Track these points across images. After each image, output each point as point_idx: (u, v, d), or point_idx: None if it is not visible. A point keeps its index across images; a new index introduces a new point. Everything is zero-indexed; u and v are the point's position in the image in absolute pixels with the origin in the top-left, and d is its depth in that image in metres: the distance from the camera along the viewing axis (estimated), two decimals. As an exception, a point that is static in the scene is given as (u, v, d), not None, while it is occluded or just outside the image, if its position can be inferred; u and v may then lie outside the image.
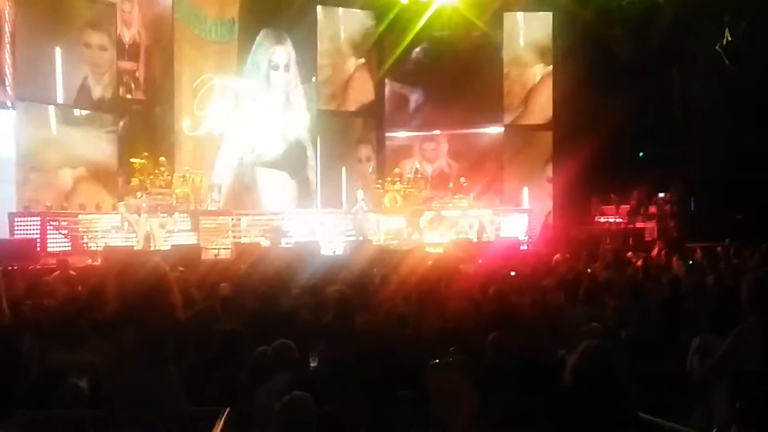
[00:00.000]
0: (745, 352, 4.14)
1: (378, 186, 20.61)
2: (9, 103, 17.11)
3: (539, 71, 22.26)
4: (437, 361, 2.80)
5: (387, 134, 23.23)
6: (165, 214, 16.83)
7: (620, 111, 18.29)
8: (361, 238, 18.13)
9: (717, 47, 18.54)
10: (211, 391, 4.72)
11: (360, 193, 19.49)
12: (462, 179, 20.93)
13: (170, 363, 3.78)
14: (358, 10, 22.20)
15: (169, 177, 18.06)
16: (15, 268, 12.38)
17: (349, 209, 19.67)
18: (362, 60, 22.48)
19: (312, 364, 5.30)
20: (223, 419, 3.96)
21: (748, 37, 18.10)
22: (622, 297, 7.09)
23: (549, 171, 21.94)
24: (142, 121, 19.85)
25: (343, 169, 21.85)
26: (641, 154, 21.06)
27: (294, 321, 6.71)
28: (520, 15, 22.10)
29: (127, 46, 19.57)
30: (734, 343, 4.23)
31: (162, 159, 18.25)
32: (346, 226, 19.19)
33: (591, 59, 19.61)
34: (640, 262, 11.72)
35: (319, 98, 21.89)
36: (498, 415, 3.86)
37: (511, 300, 7.26)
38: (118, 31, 19.15)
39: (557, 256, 12.54)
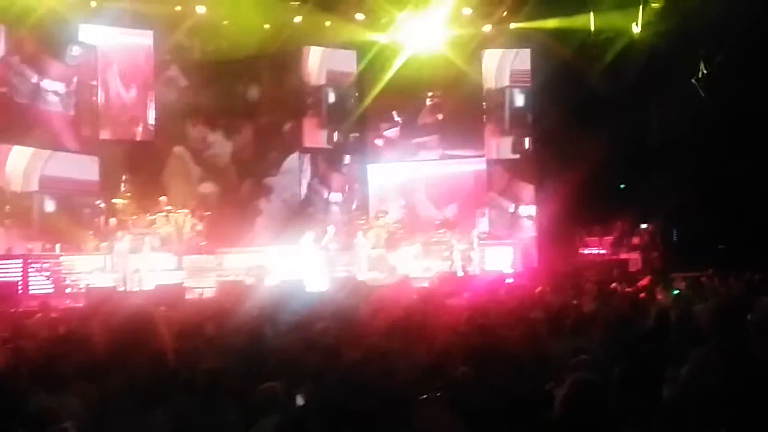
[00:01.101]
0: (707, 377, 4.16)
1: (362, 221, 20.61)
2: None
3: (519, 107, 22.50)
4: (424, 397, 2.76)
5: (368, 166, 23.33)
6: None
7: (600, 144, 18.44)
8: (331, 274, 17.91)
9: (693, 80, 18.81)
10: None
11: (331, 228, 19.23)
12: (447, 212, 20.99)
13: (157, 407, 3.72)
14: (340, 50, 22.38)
15: (154, 217, 18.03)
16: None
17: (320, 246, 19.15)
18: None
19: (299, 403, 5.23)
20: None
21: (724, 69, 18.37)
22: (609, 328, 7.06)
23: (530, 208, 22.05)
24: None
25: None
26: (622, 185, 21.20)
27: (280, 359, 6.64)
28: (498, 52, 22.28)
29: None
30: (694, 368, 4.25)
31: (163, 198, 18.30)
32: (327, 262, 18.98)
33: (569, 94, 19.79)
34: (627, 291, 11.73)
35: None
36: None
37: (497, 333, 7.23)
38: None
39: (540, 288, 12.53)
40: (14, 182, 17.50)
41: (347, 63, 22.40)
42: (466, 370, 5.31)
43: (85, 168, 18.92)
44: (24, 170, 17.63)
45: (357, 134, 22.86)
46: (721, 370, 4.11)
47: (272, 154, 22.15)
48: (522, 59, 22.15)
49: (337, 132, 22.30)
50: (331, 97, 22.30)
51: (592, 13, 19.44)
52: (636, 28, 19.20)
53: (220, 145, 22.10)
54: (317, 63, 22.09)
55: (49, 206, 17.99)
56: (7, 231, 17.22)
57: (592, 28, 19.64)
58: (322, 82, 22.12)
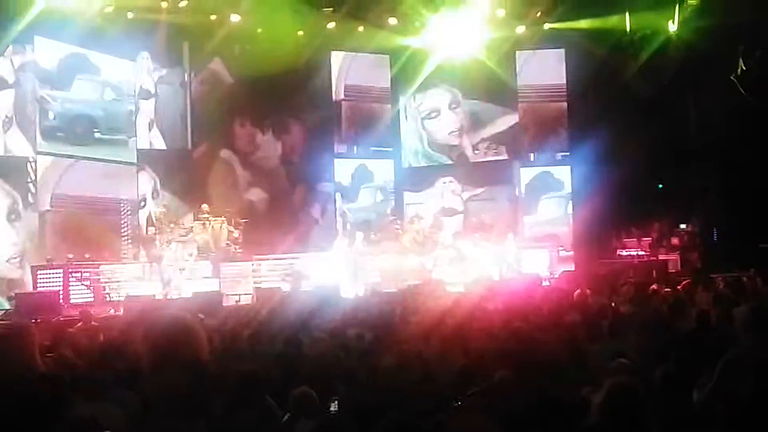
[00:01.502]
0: (737, 377, 4.08)
1: (397, 227, 20.62)
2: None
3: (554, 107, 22.38)
4: (460, 402, 2.77)
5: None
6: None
7: (638, 144, 18.29)
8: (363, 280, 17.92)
9: (731, 77, 18.56)
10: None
11: (359, 235, 19.22)
12: (484, 217, 20.92)
13: (197, 414, 3.76)
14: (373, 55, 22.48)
15: (191, 225, 18.21)
16: (38, 320, 12.45)
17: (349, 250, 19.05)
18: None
19: (333, 409, 5.25)
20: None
21: (763, 65, 18.11)
22: (647, 331, 6.98)
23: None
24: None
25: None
26: (660, 186, 20.98)
27: (316, 365, 6.68)
28: (532, 53, 22.20)
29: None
30: (724, 369, 4.17)
31: (204, 206, 18.47)
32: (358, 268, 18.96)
33: (605, 94, 19.67)
34: (667, 292, 11.59)
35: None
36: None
37: (534, 337, 7.19)
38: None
39: (578, 291, 12.42)
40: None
41: (380, 69, 22.52)
42: (504, 375, 5.29)
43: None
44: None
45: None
46: (752, 374, 4.03)
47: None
48: (557, 59, 22.08)
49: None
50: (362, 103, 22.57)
51: (627, 13, 19.27)
52: (672, 26, 18.99)
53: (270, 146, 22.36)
54: (345, 69, 22.37)
55: (89, 216, 18.24)
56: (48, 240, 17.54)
57: (628, 28, 19.46)
58: (346, 92, 22.47)
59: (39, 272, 16.46)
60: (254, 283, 17.81)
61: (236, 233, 18.68)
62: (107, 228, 18.46)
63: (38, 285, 16.17)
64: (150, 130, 20.22)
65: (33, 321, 11.76)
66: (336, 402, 5.08)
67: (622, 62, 19.73)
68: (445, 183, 23.10)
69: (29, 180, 17.55)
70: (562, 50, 21.76)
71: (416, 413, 4.22)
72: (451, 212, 22.79)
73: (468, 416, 2.84)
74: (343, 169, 22.87)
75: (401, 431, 4.15)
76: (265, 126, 22.15)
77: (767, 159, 17.88)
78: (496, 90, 22.13)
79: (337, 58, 22.49)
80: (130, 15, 18.61)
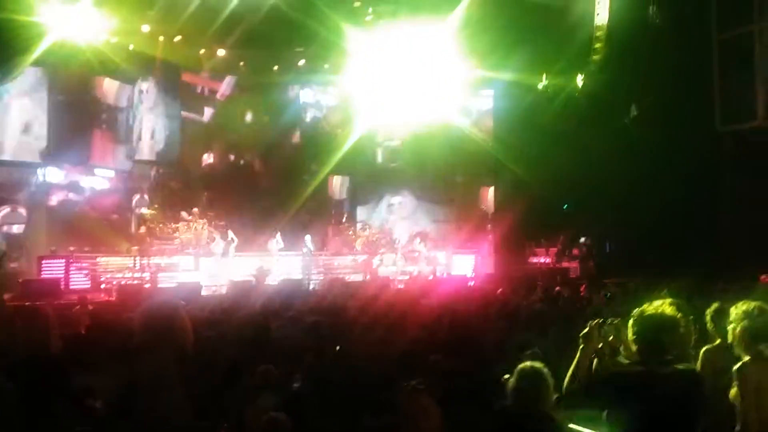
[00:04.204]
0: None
1: (351, 233, 20.60)
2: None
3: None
4: (409, 383, 2.75)
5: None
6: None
7: (549, 171, 18.55)
8: (305, 276, 17.77)
9: (625, 120, 18.99)
10: (212, 411, 4.59)
11: (308, 238, 18.91)
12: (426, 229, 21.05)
13: (179, 386, 3.69)
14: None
15: (177, 225, 17.92)
16: (42, 303, 12.06)
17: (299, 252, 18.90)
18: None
19: (295, 385, 5.18)
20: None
21: (651, 111, 18.57)
22: (556, 325, 7.06)
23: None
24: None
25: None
26: (565, 206, 21.32)
27: (280, 347, 6.58)
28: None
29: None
30: None
31: (195, 210, 18.18)
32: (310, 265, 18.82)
33: (524, 130, 19.93)
34: (569, 294, 11.74)
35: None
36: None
37: (462, 327, 7.20)
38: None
39: (500, 290, 12.51)
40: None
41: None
42: (436, 358, 5.27)
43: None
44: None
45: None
46: None
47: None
48: (486, 99, 22.39)
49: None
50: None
51: (544, 74, 19.66)
52: (579, 80, 19.35)
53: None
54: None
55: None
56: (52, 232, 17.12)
57: (542, 83, 19.81)
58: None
59: (44, 261, 16.00)
60: (228, 276, 17.57)
61: (215, 234, 18.40)
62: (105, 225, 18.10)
63: (42, 272, 15.73)
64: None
65: (37, 303, 11.40)
66: (298, 379, 5.00)
67: (539, 105, 19.99)
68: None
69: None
70: (492, 91, 22.06)
71: (367, 390, 4.20)
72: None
73: (415, 395, 2.81)
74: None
75: (356, 405, 4.12)
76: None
77: (651, 186, 18.29)
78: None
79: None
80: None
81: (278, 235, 18.57)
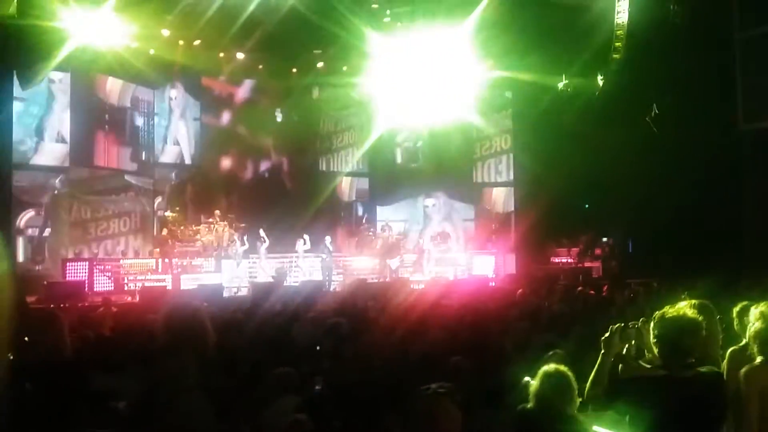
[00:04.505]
0: None
1: (370, 233, 20.59)
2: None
3: (502, 143, 22.64)
4: (428, 387, 2.72)
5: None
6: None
7: (569, 171, 18.43)
8: (325, 278, 17.74)
9: (647, 118, 18.79)
10: (233, 413, 4.58)
11: (328, 239, 18.86)
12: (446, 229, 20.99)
13: (201, 388, 3.69)
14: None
15: (198, 227, 18.03)
16: (66, 305, 12.21)
17: (318, 254, 18.78)
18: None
19: (317, 387, 5.17)
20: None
21: (672, 110, 18.37)
22: (577, 325, 6.99)
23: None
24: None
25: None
26: (587, 205, 21.16)
27: (301, 349, 6.59)
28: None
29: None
30: None
31: (217, 212, 18.30)
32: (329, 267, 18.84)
33: (544, 131, 19.83)
34: (591, 293, 11.65)
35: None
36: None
37: (483, 329, 7.15)
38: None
39: (521, 290, 12.42)
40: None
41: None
42: (458, 360, 5.22)
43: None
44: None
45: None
46: None
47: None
48: (506, 102, 22.34)
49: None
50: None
51: (563, 74, 19.53)
52: (599, 81, 19.17)
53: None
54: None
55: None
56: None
57: (561, 84, 19.68)
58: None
59: (68, 264, 16.18)
60: (250, 277, 17.67)
61: (236, 235, 18.49)
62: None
63: (67, 275, 15.90)
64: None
65: (61, 305, 11.53)
66: (319, 381, 4.98)
67: (559, 105, 19.86)
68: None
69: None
70: (510, 93, 21.95)
71: (388, 392, 4.17)
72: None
73: (435, 399, 2.78)
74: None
75: (377, 407, 4.09)
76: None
77: (673, 186, 18.11)
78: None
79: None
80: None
81: (306, 236, 18.70)
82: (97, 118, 18.33)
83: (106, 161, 18.51)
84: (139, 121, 19.33)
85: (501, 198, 22.89)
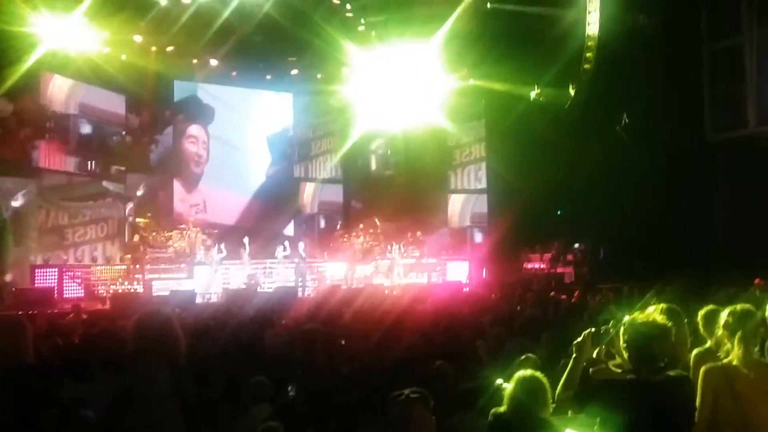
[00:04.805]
0: None
1: (344, 239, 20.54)
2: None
3: (477, 151, 22.80)
4: (401, 392, 2.72)
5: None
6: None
7: (542, 179, 18.60)
8: (298, 283, 17.70)
9: (617, 127, 19.06)
10: (205, 421, 4.52)
11: (301, 245, 18.78)
12: (418, 233, 20.94)
13: (173, 395, 3.65)
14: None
15: (170, 233, 17.84)
16: (35, 312, 11.97)
17: (292, 260, 18.68)
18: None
19: (291, 394, 5.13)
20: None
21: (643, 120, 18.67)
22: (549, 330, 7.03)
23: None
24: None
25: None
26: (559, 212, 21.36)
27: (273, 355, 6.54)
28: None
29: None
30: None
31: (190, 218, 18.17)
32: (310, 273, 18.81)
33: (517, 138, 20.00)
34: (563, 298, 11.74)
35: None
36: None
37: (457, 334, 7.18)
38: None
39: (493, 296, 12.50)
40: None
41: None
42: (442, 364, 5.20)
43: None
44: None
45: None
46: None
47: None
48: (477, 109, 22.48)
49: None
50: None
51: (535, 86, 19.73)
52: (571, 90, 19.39)
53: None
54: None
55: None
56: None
57: (533, 95, 19.89)
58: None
59: (37, 270, 15.89)
60: (222, 284, 17.50)
61: (209, 242, 18.32)
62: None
63: (35, 281, 15.61)
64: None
65: (30, 312, 11.31)
66: (292, 388, 4.94)
67: (531, 114, 20.04)
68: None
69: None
70: (483, 101, 22.12)
71: (361, 399, 4.16)
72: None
73: (407, 404, 2.78)
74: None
75: (351, 414, 4.07)
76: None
77: (643, 193, 18.38)
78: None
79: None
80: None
81: (286, 242, 18.78)
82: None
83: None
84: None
85: (457, 210, 22.91)
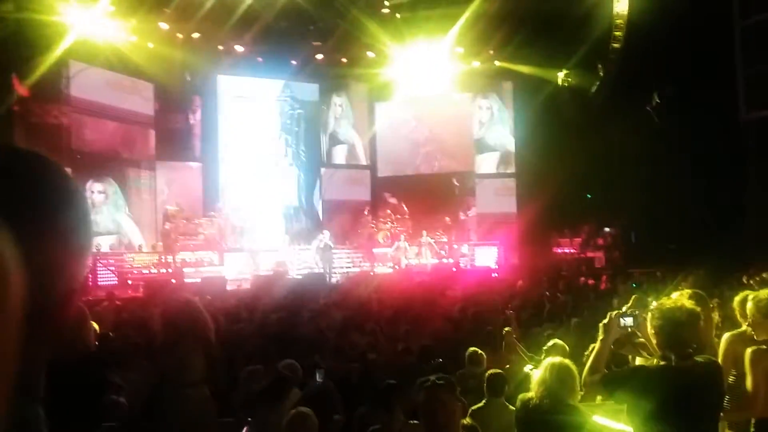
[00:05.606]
0: None
1: (372, 225, 20.59)
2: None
3: (504, 134, 22.60)
4: (428, 378, 2.75)
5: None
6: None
7: (571, 162, 18.42)
8: (326, 270, 17.63)
9: (647, 108, 18.75)
10: (236, 406, 4.61)
11: (326, 233, 18.74)
12: (447, 219, 20.89)
13: (204, 382, 3.73)
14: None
15: (201, 221, 18.06)
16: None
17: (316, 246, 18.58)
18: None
19: (318, 379, 5.19)
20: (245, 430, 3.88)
21: (672, 99, 18.34)
22: (578, 315, 7.02)
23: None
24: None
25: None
26: (589, 196, 21.14)
27: (305, 340, 6.61)
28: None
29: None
30: None
31: (219, 205, 18.36)
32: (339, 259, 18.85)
33: (545, 121, 19.81)
34: (592, 283, 11.67)
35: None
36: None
37: (486, 319, 7.17)
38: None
39: (520, 282, 12.44)
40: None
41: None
42: (469, 352, 5.20)
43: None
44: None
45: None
46: None
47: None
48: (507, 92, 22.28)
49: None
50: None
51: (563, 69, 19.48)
52: (599, 71, 19.10)
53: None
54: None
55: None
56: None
57: (560, 80, 19.65)
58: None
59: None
60: (252, 270, 17.66)
61: (238, 228, 18.50)
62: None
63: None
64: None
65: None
66: (321, 374, 5.00)
67: (559, 96, 19.82)
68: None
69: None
70: (510, 82, 21.90)
71: (389, 385, 4.20)
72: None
73: (435, 391, 2.81)
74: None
75: (377, 400, 4.11)
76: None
77: (674, 174, 18.10)
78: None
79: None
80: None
81: (326, 231, 18.79)
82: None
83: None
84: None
85: (486, 195, 22.75)
